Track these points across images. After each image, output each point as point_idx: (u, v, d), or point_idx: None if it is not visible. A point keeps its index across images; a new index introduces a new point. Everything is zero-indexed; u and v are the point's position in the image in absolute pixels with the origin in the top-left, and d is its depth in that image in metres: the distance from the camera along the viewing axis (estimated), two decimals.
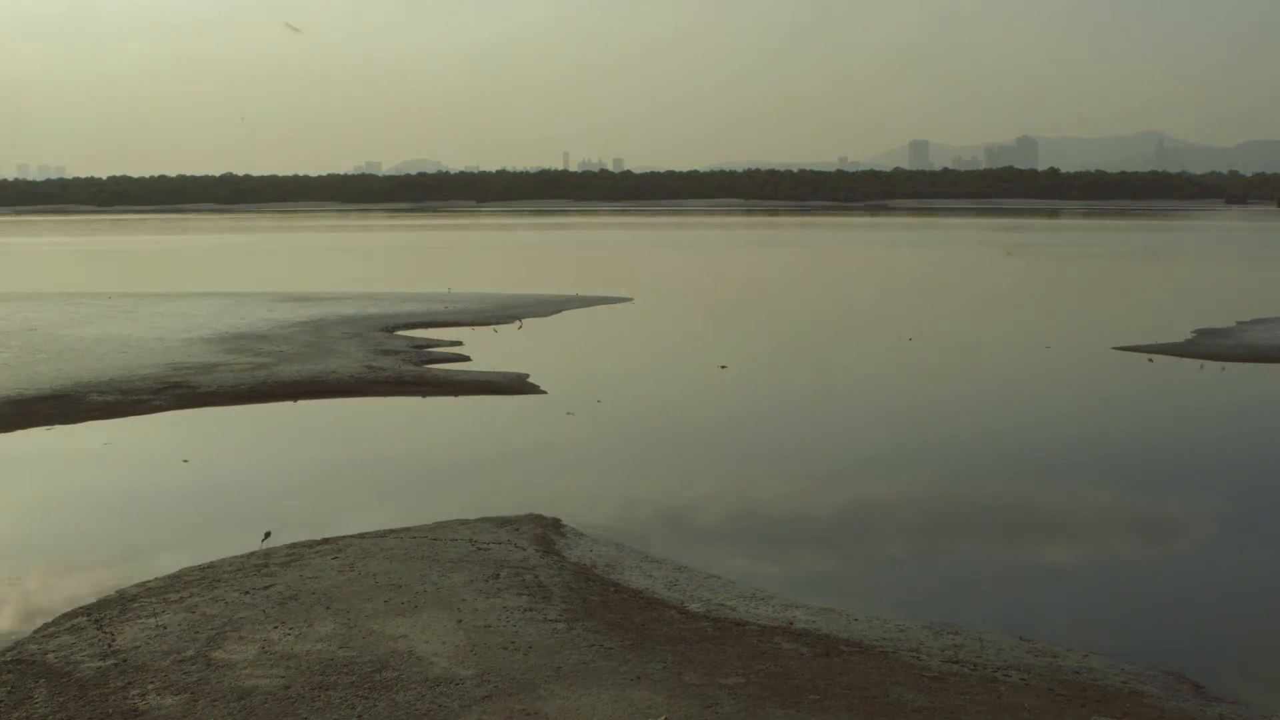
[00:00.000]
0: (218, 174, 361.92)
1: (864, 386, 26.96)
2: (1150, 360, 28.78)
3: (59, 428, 20.86)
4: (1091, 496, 16.94)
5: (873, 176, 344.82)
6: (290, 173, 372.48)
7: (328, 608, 11.58)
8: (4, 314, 37.89)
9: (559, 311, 40.70)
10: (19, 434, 20.44)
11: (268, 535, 14.02)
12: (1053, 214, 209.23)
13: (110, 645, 10.71)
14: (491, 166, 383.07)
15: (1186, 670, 10.75)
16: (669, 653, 10.61)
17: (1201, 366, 27.86)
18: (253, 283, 51.53)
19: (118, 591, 12.27)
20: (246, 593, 12.05)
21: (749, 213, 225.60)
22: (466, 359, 29.08)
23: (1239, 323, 36.36)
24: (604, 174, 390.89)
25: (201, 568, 13.01)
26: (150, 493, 16.97)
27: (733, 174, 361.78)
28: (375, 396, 24.30)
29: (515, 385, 25.34)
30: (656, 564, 13.56)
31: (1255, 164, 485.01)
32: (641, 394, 25.70)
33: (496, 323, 36.73)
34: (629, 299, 44.73)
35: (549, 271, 63.86)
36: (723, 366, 27.87)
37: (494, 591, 12.13)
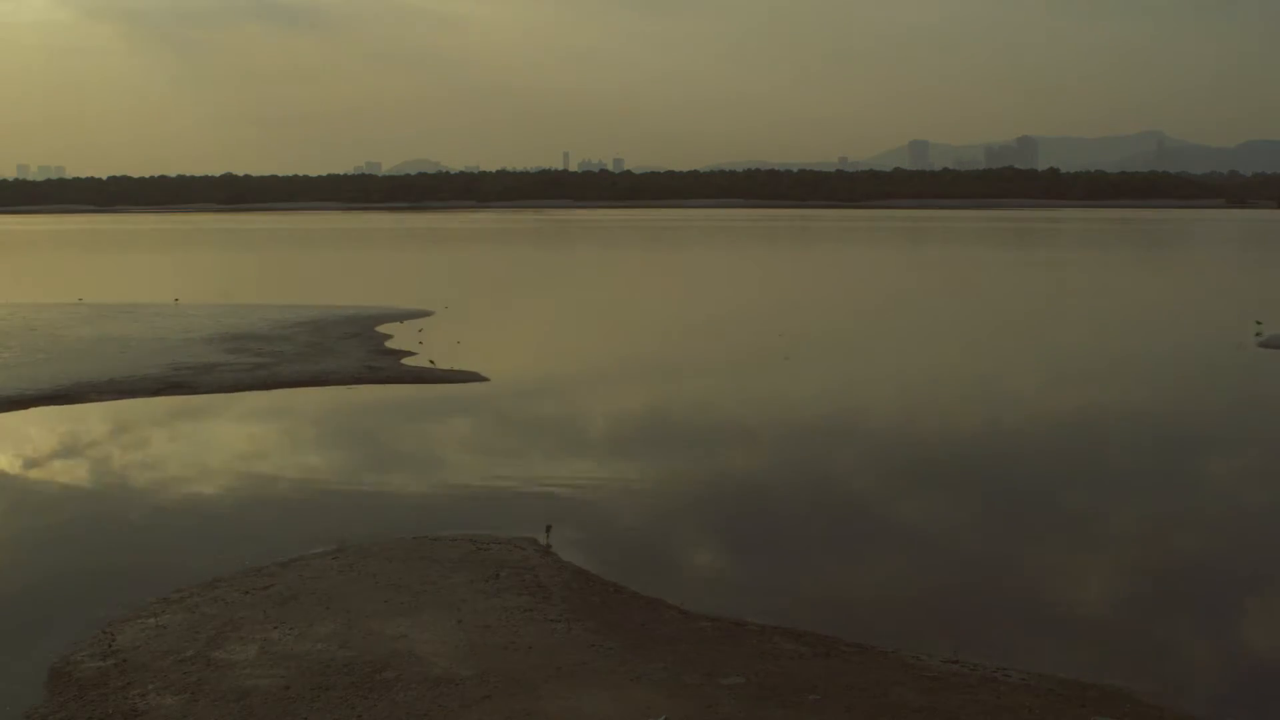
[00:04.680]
0: (218, 174, 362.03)
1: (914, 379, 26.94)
2: None
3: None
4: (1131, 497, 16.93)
5: (873, 176, 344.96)
6: (290, 173, 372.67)
7: (328, 608, 11.58)
8: (4, 314, 37.91)
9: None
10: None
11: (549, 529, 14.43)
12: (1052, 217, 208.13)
13: (110, 645, 10.71)
14: (491, 166, 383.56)
15: (1188, 671, 10.75)
16: (669, 653, 10.61)
17: None
18: None
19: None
20: (246, 593, 12.05)
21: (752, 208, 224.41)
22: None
23: None
24: (604, 174, 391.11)
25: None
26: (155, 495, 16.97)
27: (733, 174, 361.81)
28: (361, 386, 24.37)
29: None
30: (656, 563, 13.56)
31: (1255, 164, 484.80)
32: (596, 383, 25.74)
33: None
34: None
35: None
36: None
37: (494, 591, 12.14)
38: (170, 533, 14.87)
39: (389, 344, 31.59)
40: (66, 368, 26.42)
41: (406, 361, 28.34)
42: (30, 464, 18.53)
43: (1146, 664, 10.86)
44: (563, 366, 30.01)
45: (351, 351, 29.72)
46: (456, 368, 27.21)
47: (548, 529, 14.54)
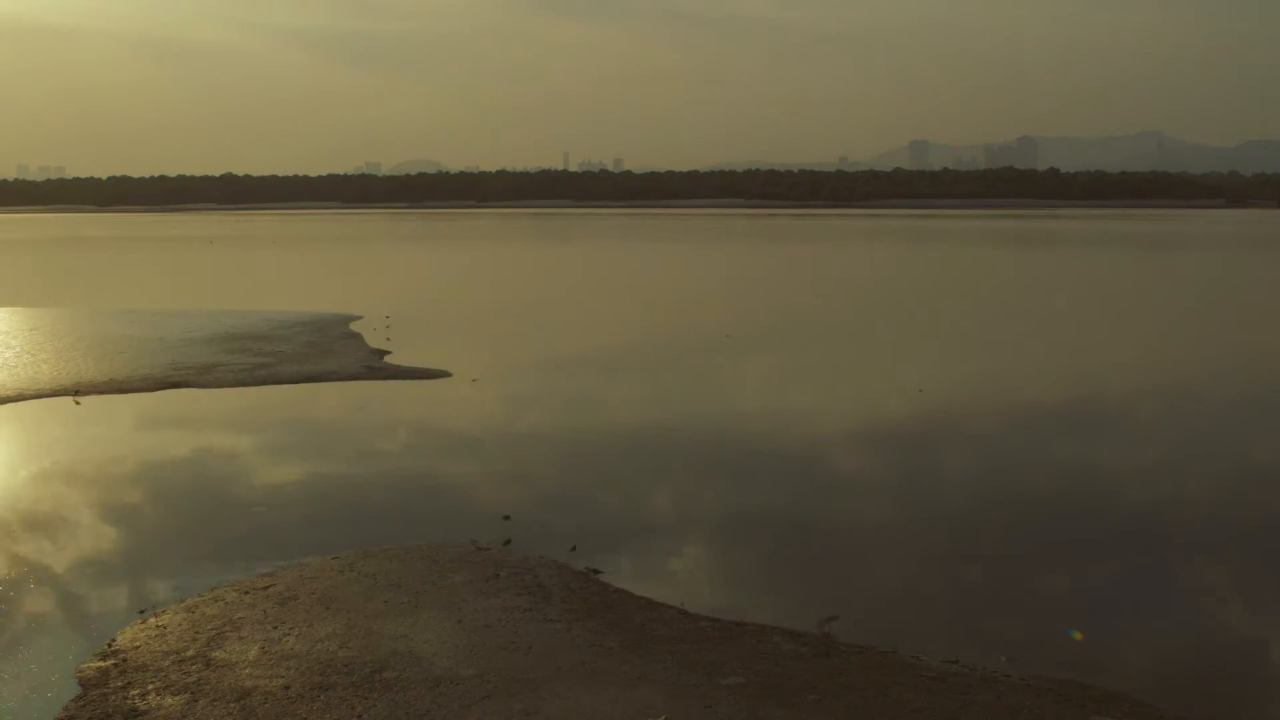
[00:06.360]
0: (218, 174, 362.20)
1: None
2: None
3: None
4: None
5: (873, 176, 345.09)
6: (290, 173, 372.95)
7: (328, 608, 11.58)
8: (4, 315, 37.97)
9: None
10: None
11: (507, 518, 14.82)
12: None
13: (110, 645, 10.71)
14: (491, 166, 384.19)
15: (1187, 672, 10.75)
16: (669, 653, 10.61)
17: None
18: None
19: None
20: (246, 593, 12.06)
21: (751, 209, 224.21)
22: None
23: None
24: (604, 174, 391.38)
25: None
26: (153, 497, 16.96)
27: (733, 174, 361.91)
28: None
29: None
30: (655, 563, 13.56)
31: (1255, 164, 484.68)
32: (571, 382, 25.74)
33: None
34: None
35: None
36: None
37: (494, 591, 12.14)
38: (170, 532, 14.86)
39: (369, 343, 31.77)
40: (67, 367, 26.45)
41: (388, 360, 28.50)
42: (25, 459, 18.53)
43: (1146, 664, 10.87)
44: (517, 361, 30.33)
45: (350, 351, 29.73)
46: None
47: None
